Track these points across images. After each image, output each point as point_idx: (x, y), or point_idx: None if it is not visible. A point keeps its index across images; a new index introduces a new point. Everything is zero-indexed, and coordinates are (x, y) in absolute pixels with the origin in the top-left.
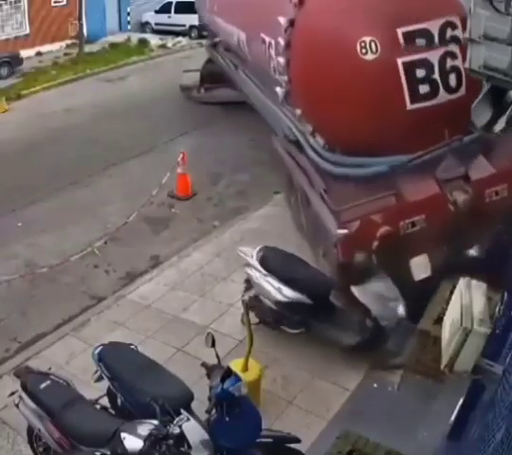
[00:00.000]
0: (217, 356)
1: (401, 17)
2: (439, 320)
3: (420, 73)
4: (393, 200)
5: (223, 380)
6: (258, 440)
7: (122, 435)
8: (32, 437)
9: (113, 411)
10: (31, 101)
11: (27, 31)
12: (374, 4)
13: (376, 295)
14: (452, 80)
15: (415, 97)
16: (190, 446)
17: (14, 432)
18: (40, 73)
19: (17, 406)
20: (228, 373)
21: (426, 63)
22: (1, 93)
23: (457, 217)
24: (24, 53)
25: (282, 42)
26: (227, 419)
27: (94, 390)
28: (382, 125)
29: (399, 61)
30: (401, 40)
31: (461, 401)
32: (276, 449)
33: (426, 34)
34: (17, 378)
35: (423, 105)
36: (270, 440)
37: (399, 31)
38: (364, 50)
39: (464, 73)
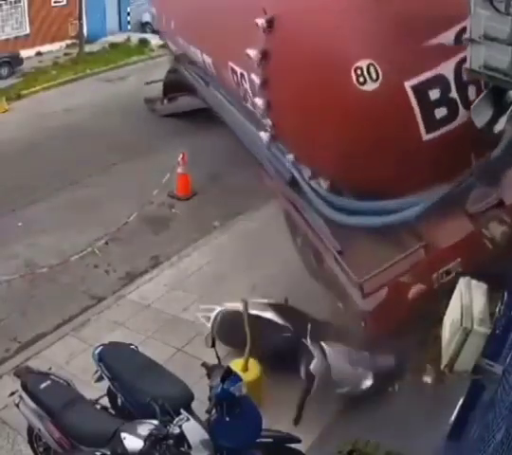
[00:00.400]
0: (217, 356)
1: (404, 28)
2: (439, 320)
3: (434, 94)
4: (423, 253)
5: (223, 380)
6: (258, 440)
7: (122, 435)
8: (32, 437)
9: (113, 411)
10: (31, 101)
11: (28, 31)
12: (366, 16)
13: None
14: (472, 92)
15: (431, 124)
16: (190, 446)
17: (14, 432)
18: (40, 73)
19: (17, 406)
20: (229, 373)
21: (440, 81)
22: (1, 93)
23: (495, 252)
24: (24, 53)
25: (256, 79)
26: (227, 419)
27: (94, 390)
28: (396, 163)
29: (407, 85)
30: (407, 57)
31: (461, 401)
32: (276, 449)
33: (439, 50)
34: (17, 378)
35: (441, 132)
36: (270, 440)
37: (403, 47)
38: (362, 79)
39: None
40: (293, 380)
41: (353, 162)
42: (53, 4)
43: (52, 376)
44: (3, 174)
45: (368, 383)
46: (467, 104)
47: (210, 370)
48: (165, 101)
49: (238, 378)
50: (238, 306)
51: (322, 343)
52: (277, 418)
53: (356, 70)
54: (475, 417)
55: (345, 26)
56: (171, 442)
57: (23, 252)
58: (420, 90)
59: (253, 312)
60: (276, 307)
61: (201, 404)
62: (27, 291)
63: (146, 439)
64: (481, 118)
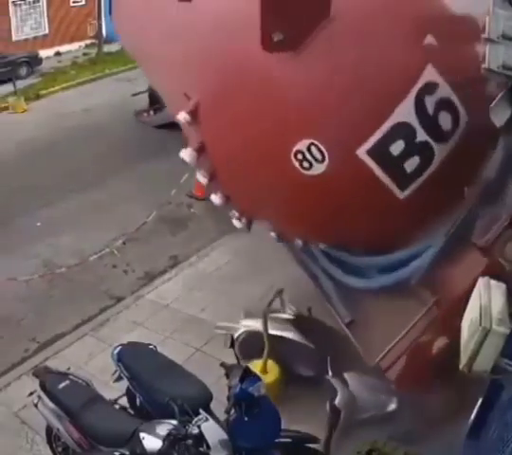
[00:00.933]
0: (236, 357)
1: (339, 93)
2: None
3: (398, 148)
4: (435, 309)
5: (242, 380)
6: (277, 440)
7: (141, 435)
8: (51, 437)
9: (132, 411)
10: (50, 101)
11: (46, 31)
12: (292, 92)
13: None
14: (445, 120)
15: (404, 181)
16: (208, 447)
17: (33, 432)
18: (59, 73)
19: (36, 405)
20: (248, 373)
21: (400, 130)
22: (20, 93)
23: None
24: (43, 53)
25: (203, 178)
26: (246, 419)
27: (113, 390)
28: (380, 227)
29: (360, 152)
30: (351, 121)
31: (480, 401)
32: (295, 449)
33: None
34: (36, 378)
35: (420, 182)
36: (289, 440)
37: (343, 111)
38: (306, 164)
39: (456, 95)
40: (312, 381)
41: (332, 236)
42: (72, 4)
43: (71, 376)
44: (22, 174)
45: (393, 406)
46: (442, 136)
47: (228, 370)
48: (151, 112)
49: (257, 378)
50: (257, 325)
51: (345, 374)
52: (296, 418)
53: (296, 155)
54: (494, 417)
55: (272, 106)
56: (189, 442)
57: (42, 252)
58: (378, 152)
59: (274, 332)
60: (298, 322)
61: (220, 404)
62: (45, 291)
63: (165, 439)
64: (499, 118)
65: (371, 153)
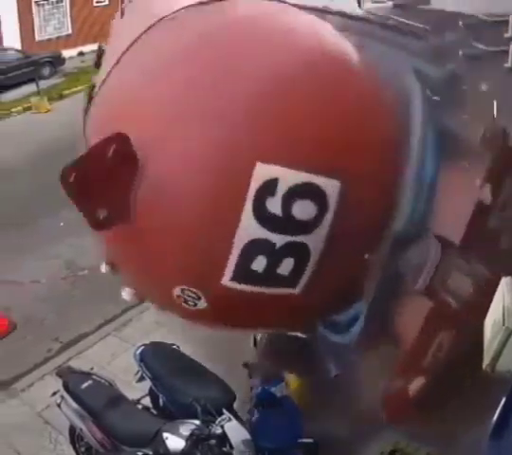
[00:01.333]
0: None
1: (183, 232)
2: None
3: (261, 264)
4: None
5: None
6: (299, 440)
7: (164, 435)
8: (74, 437)
9: (155, 411)
10: (73, 101)
11: (70, 31)
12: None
13: None
14: (305, 209)
15: (290, 281)
16: (232, 447)
17: (56, 432)
18: (82, 73)
19: (59, 406)
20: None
21: (253, 248)
22: (43, 93)
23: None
24: (66, 53)
25: (153, 305)
26: (268, 419)
27: (136, 390)
28: (299, 320)
29: (226, 281)
30: (208, 261)
31: (503, 401)
32: (317, 449)
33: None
34: (59, 378)
35: (309, 273)
36: (311, 440)
37: (198, 258)
38: (191, 302)
39: (309, 171)
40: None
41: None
42: (95, 4)
43: (94, 376)
44: (45, 174)
45: None
46: (308, 226)
47: (251, 370)
48: None
49: (279, 379)
50: None
51: None
52: (317, 417)
53: (178, 298)
54: None
55: (143, 265)
56: (213, 442)
57: (64, 252)
58: (241, 276)
59: None
60: None
61: (243, 404)
62: (68, 291)
63: (188, 439)
64: None
65: (235, 279)
